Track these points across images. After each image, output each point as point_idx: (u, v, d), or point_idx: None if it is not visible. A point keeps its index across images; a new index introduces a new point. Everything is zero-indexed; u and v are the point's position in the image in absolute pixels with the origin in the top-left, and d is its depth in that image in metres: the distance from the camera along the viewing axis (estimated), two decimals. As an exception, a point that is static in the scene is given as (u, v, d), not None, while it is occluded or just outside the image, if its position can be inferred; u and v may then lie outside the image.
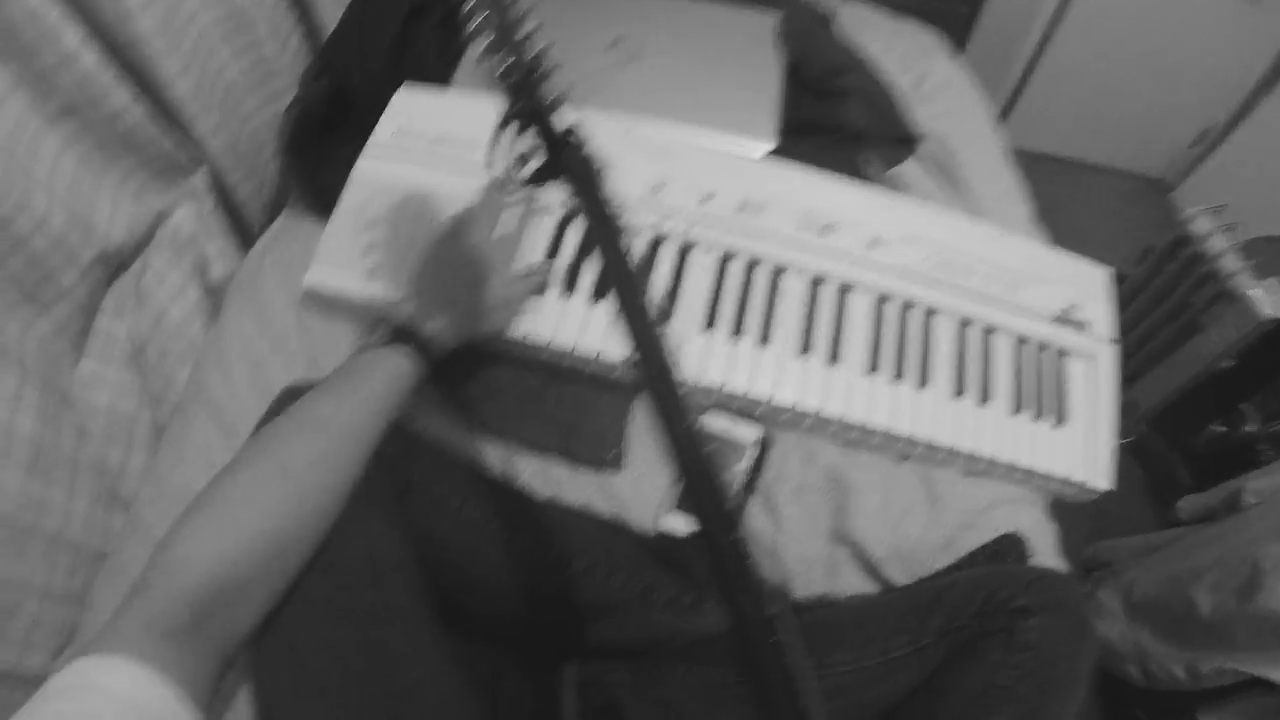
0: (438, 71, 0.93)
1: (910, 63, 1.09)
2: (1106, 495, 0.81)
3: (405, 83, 0.88)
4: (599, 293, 0.78)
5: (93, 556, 0.79)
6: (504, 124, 0.56)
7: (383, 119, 0.86)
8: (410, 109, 0.86)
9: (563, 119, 0.54)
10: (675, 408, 0.42)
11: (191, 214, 0.92)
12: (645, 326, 0.45)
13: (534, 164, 0.57)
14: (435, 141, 0.84)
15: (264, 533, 0.48)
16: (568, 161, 0.53)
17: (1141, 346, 1.50)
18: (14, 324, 0.75)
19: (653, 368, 0.44)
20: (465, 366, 0.79)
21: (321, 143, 0.88)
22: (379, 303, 0.79)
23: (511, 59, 0.54)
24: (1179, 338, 1.44)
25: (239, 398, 0.80)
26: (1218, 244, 1.35)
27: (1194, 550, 1.12)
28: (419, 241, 0.76)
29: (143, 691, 0.38)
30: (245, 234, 0.98)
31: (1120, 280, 1.17)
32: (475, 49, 0.52)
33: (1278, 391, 1.41)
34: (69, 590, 0.76)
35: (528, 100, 0.56)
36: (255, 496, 0.49)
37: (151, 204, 0.90)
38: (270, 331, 0.83)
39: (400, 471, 0.65)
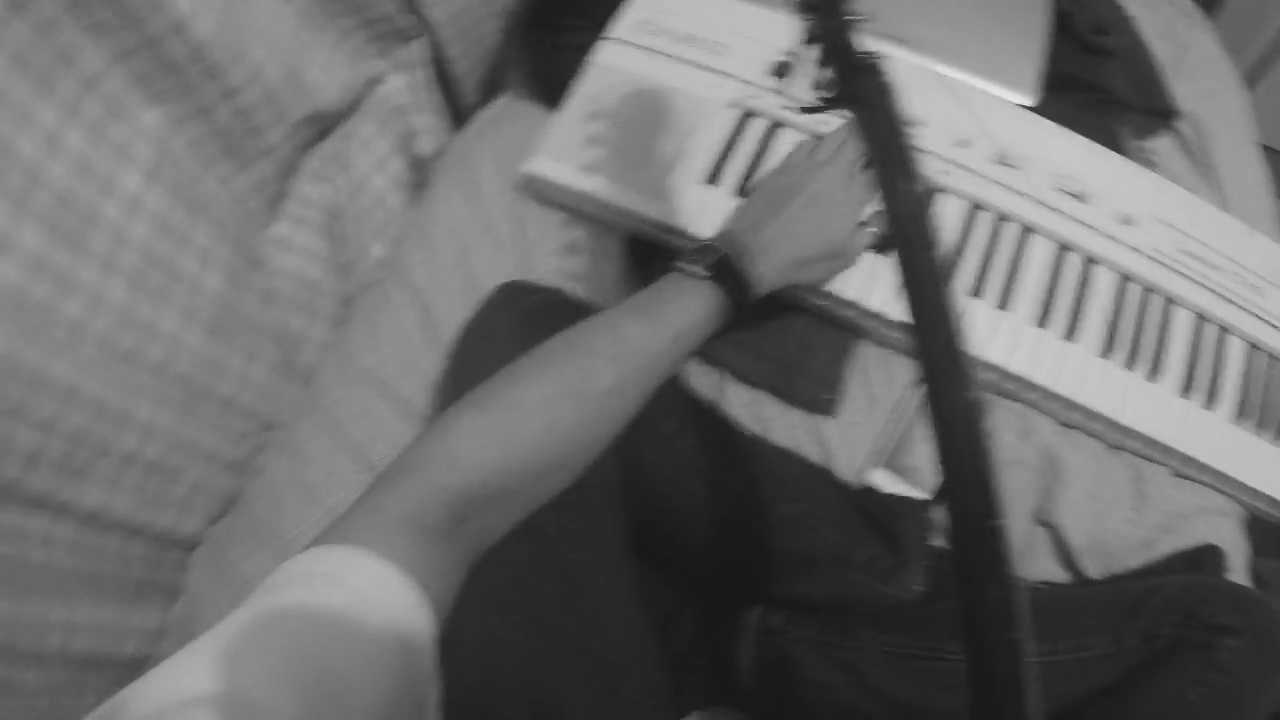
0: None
1: (1171, 31, 1.00)
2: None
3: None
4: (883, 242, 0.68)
5: (262, 425, 0.78)
6: (808, 41, 0.50)
7: (628, 8, 0.81)
8: (658, 2, 0.82)
9: (861, 40, 0.49)
10: (954, 374, 0.37)
11: (404, 84, 0.89)
12: (932, 281, 0.39)
13: (822, 89, 0.52)
14: (681, 40, 0.79)
15: (547, 451, 0.45)
16: (864, 88, 0.47)
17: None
18: (211, 178, 0.72)
19: (934, 329, 0.38)
20: None
21: (556, 26, 0.84)
22: (596, 200, 0.76)
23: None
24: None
25: (441, 280, 0.78)
26: None
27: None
28: (655, 143, 0.72)
29: (380, 588, 0.34)
30: (457, 111, 0.95)
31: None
32: None
33: None
34: (234, 457, 0.75)
35: (827, 14, 0.50)
36: (549, 412, 0.46)
37: (365, 69, 0.87)
38: (481, 215, 0.80)
39: None
